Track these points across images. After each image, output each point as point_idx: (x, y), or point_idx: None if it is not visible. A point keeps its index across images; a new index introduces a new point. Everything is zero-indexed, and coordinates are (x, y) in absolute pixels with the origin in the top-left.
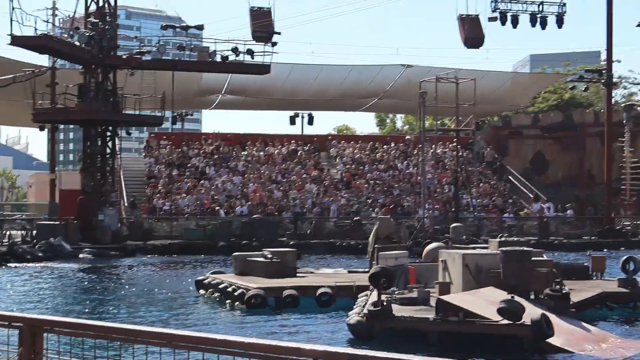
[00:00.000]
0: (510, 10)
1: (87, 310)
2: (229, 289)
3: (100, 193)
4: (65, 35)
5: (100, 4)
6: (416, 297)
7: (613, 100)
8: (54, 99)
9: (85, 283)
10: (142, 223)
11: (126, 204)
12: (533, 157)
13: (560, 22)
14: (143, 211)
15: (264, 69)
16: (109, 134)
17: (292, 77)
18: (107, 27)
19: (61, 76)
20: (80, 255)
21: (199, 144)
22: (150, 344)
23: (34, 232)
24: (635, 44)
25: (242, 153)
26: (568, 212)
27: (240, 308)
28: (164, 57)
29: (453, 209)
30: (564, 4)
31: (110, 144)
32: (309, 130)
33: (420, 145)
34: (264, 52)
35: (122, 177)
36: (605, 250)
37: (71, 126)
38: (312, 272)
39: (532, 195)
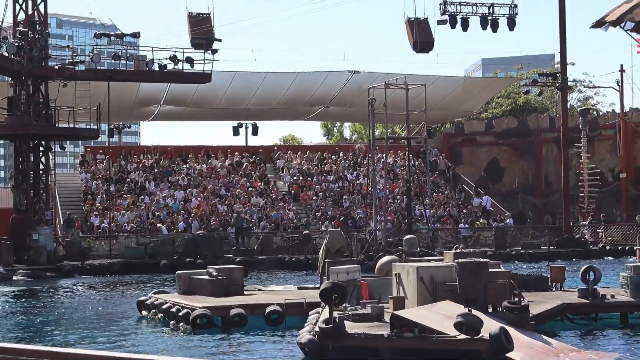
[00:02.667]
0: (459, 12)
1: (22, 335)
2: (173, 309)
3: (33, 211)
4: None
5: (30, 12)
6: (369, 312)
7: (568, 105)
8: None
9: (20, 307)
10: (79, 242)
11: (61, 222)
12: (488, 164)
13: (511, 24)
14: (78, 228)
15: (204, 77)
16: (41, 148)
17: (234, 85)
18: (37, 36)
19: None
20: (14, 278)
21: (138, 157)
22: None
23: None
24: (590, 46)
25: (184, 166)
26: (507, 220)
27: (185, 329)
28: (98, 67)
29: (406, 221)
30: (515, 6)
31: (43, 159)
32: (254, 141)
33: (370, 155)
34: (204, 60)
35: (56, 194)
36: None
37: (1, 141)
38: (260, 290)
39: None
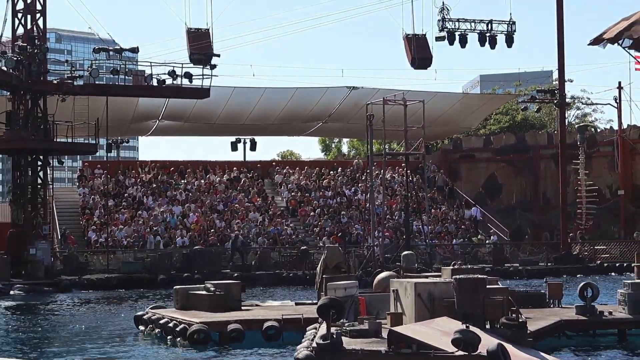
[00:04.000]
0: (458, 29)
1: (19, 350)
2: (170, 325)
3: (31, 226)
4: None
5: (29, 26)
6: (367, 328)
7: (566, 121)
8: None
9: (17, 321)
10: (77, 257)
11: (59, 237)
12: (486, 180)
13: (510, 41)
14: (70, 243)
15: (203, 92)
16: (39, 163)
17: (232, 101)
18: (36, 50)
19: None
20: (12, 292)
21: (136, 172)
22: None
23: None
24: (588, 63)
25: (182, 181)
26: (492, 237)
27: (183, 344)
28: (97, 82)
29: (404, 237)
30: (514, 23)
31: (41, 173)
32: (252, 157)
33: (368, 171)
34: (202, 75)
35: (54, 208)
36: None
37: None
38: (257, 305)
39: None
